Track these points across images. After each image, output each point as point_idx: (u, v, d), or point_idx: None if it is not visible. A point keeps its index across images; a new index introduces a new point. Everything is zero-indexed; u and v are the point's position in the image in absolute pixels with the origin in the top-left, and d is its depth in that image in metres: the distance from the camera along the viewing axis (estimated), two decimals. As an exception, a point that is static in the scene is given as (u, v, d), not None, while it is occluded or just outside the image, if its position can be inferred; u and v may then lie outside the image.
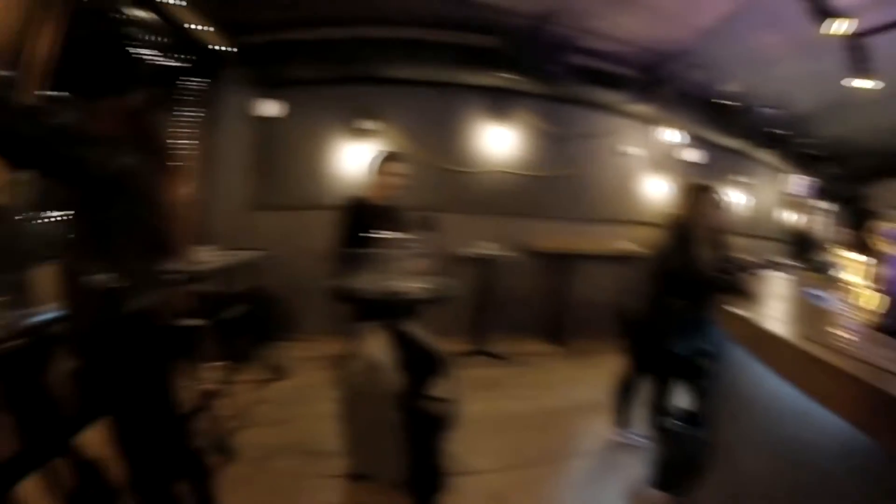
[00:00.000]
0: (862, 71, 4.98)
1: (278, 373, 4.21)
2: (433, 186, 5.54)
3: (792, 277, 3.96)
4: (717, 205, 3.12)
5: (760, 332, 1.85)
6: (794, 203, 6.93)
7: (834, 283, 4.36)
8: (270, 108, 5.47)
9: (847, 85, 5.21)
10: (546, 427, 3.55)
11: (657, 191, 6.67)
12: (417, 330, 2.71)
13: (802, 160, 9.33)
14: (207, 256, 3.66)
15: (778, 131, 8.29)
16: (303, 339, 4.82)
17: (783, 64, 6.18)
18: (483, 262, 5.21)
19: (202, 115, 5.05)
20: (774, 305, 2.52)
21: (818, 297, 3.83)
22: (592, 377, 3.83)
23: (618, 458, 3.16)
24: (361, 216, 2.99)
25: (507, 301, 5.49)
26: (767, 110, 7.41)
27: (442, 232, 3.06)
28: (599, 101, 6.41)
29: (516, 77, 5.83)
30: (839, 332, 1.68)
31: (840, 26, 4.35)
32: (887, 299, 4.36)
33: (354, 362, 2.53)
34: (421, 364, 2.54)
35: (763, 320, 1.99)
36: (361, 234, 2.71)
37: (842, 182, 10.82)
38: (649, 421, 3.04)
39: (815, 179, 9.72)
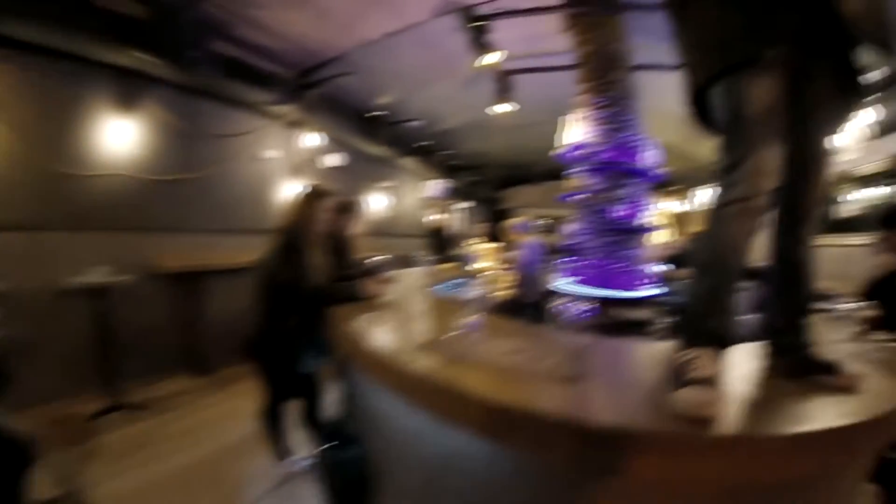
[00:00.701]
0: (503, 99, 6.09)
1: None
2: (29, 195, 4.04)
3: (430, 272, 4.39)
4: (335, 210, 3.07)
5: (368, 351, 1.67)
6: (434, 204, 8.07)
7: (470, 272, 5.14)
8: None
9: (490, 110, 6.27)
10: (213, 478, 3.11)
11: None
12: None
13: (445, 168, 10.90)
14: None
15: (423, 143, 9.48)
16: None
17: (435, 84, 7.02)
18: (97, 293, 4.08)
19: None
20: (398, 310, 2.47)
21: (455, 287, 4.43)
22: (247, 406, 3.51)
23: (295, 489, 2.92)
24: None
25: (134, 337, 4.52)
26: (415, 123, 8.39)
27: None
28: (242, 98, 5.86)
29: (152, 59, 4.76)
30: (458, 331, 1.66)
31: (491, 60, 5.17)
32: (518, 276, 5.40)
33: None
34: (5, 459, 1.92)
35: (371, 336, 1.81)
36: None
37: (479, 186, 13.24)
38: (308, 443, 2.92)
39: (455, 184, 11.50)
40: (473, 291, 4.07)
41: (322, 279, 2.69)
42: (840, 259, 5.90)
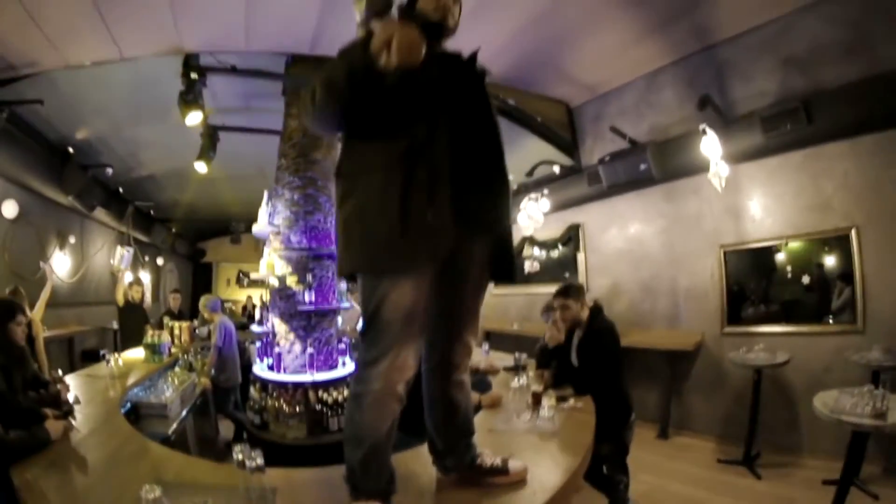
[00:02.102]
0: (206, 156, 5.71)
1: None
2: None
3: (118, 370, 3.86)
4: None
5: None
6: (124, 273, 6.86)
7: (164, 362, 4.58)
8: None
9: (193, 164, 5.82)
10: None
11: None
12: None
13: (141, 220, 9.65)
14: None
15: (118, 190, 8.24)
16: None
17: (141, 127, 6.30)
18: None
19: None
20: (81, 468, 1.92)
21: (148, 388, 3.90)
22: None
23: None
24: None
25: None
26: (109, 170, 7.22)
27: None
28: None
29: None
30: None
31: (196, 119, 4.86)
32: (215, 358, 5.06)
33: None
34: None
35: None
36: None
37: (178, 240, 12.16)
38: None
39: (152, 239, 10.36)
40: (168, 392, 3.71)
41: None
42: (525, 304, 7.59)
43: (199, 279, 14.39)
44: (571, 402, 2.60)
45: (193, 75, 4.75)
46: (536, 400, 2.45)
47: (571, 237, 7.07)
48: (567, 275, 7.06)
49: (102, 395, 3.16)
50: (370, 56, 1.21)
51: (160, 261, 11.42)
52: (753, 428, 4.39)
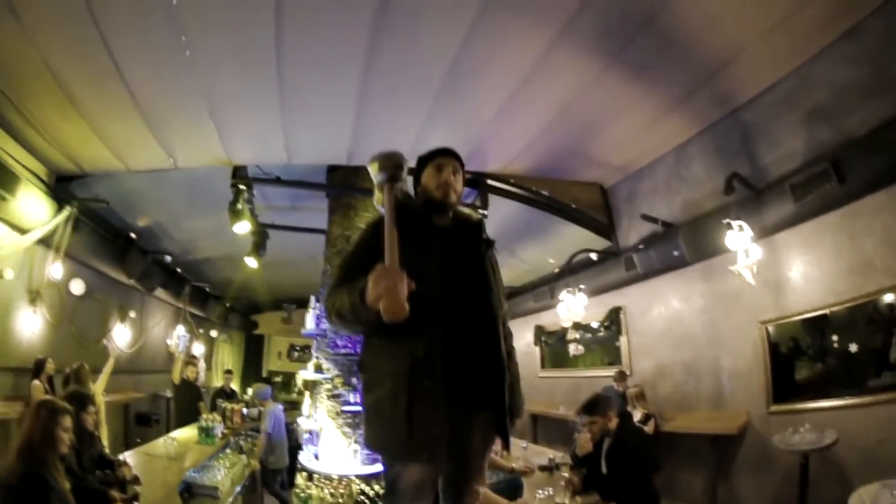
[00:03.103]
0: (256, 252, 6.28)
1: None
2: None
3: (175, 449, 4.28)
4: (73, 410, 2.66)
5: None
6: (180, 353, 7.52)
7: (217, 443, 5.06)
8: None
9: (246, 261, 6.43)
10: None
11: (31, 329, 5.51)
12: None
13: (196, 297, 10.42)
14: None
15: (175, 270, 9.04)
16: None
17: (194, 218, 7.08)
18: None
19: None
20: None
21: (203, 470, 4.30)
22: None
23: None
24: None
25: None
26: (168, 257, 8.02)
27: None
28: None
29: None
30: None
31: (243, 229, 5.41)
32: (266, 442, 5.43)
33: None
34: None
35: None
36: None
37: (231, 315, 12.93)
38: None
39: (206, 313, 11.15)
40: (220, 475, 4.10)
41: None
42: (572, 387, 7.58)
43: (251, 349, 15.04)
44: (596, 510, 2.75)
45: (241, 186, 5.27)
46: (573, 490, 2.64)
47: (613, 320, 7.21)
48: (617, 344, 7.15)
49: (161, 476, 3.56)
50: (366, 305, 1.57)
51: (214, 333, 12.13)
52: (803, 511, 4.12)
